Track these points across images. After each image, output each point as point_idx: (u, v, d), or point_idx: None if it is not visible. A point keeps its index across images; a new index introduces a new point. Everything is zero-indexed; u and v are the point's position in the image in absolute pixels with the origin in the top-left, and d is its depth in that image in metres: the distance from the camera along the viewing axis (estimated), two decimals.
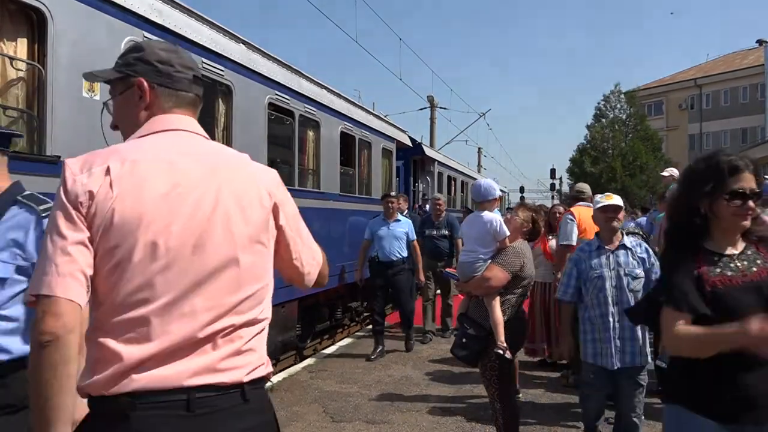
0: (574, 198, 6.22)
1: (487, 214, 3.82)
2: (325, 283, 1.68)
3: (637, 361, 3.45)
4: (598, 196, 3.77)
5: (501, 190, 5.36)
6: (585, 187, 6.41)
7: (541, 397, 5.25)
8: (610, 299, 3.46)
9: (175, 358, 1.27)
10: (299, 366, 6.53)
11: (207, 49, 5.13)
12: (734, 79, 39.96)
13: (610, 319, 3.45)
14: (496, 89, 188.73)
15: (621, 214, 3.64)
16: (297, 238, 1.53)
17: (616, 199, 3.67)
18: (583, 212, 5.44)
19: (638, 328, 3.40)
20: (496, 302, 3.63)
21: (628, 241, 3.61)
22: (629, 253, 3.55)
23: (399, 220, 7.00)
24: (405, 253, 6.96)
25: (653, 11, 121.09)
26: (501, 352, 3.55)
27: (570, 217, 5.61)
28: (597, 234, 3.70)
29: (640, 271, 3.51)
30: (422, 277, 7.33)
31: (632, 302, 3.38)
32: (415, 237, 7.16)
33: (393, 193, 7.45)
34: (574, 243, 5.44)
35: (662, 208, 5.35)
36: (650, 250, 3.66)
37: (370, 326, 7.56)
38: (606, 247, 3.57)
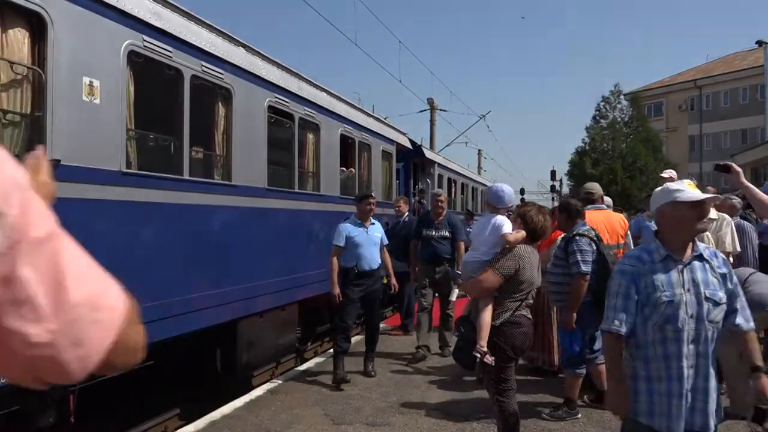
0: (582, 200, 5.32)
1: (497, 216, 3.92)
2: (138, 358, 0.68)
3: (711, 424, 2.41)
4: (672, 185, 2.51)
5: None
6: (595, 186, 5.77)
7: (542, 399, 5.25)
8: (685, 334, 2.38)
9: None
10: (300, 368, 6.54)
11: (206, 53, 5.15)
12: (734, 80, 39.98)
13: (684, 364, 2.38)
14: (495, 90, 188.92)
15: None
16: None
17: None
18: (593, 216, 5.04)
19: (713, 376, 2.43)
20: (488, 306, 3.63)
21: (702, 248, 2.51)
22: (707, 266, 2.46)
23: (374, 223, 6.12)
24: (380, 260, 6.15)
25: (653, 12, 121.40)
26: (478, 356, 3.53)
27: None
28: (657, 236, 2.53)
29: (722, 295, 2.43)
30: (395, 282, 6.54)
31: (711, 338, 2.41)
32: (387, 241, 6.32)
33: (374, 193, 6.41)
34: None
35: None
36: (728, 262, 2.60)
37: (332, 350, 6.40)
38: (677, 258, 2.45)
